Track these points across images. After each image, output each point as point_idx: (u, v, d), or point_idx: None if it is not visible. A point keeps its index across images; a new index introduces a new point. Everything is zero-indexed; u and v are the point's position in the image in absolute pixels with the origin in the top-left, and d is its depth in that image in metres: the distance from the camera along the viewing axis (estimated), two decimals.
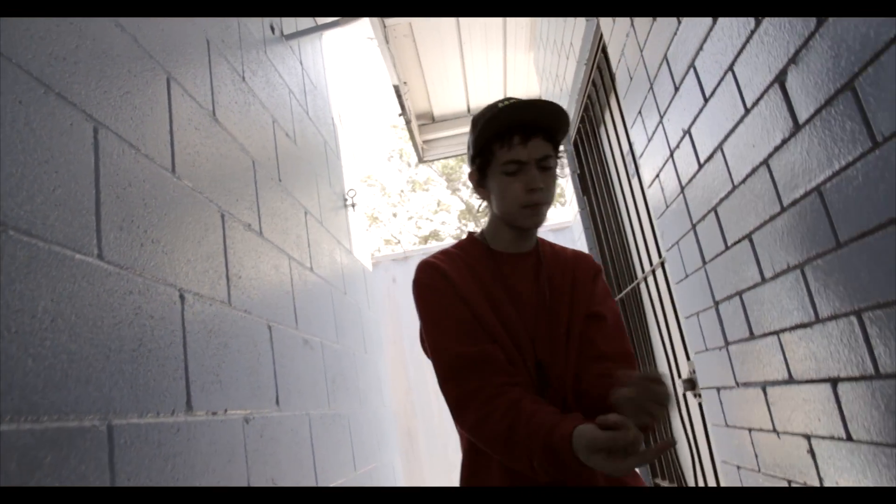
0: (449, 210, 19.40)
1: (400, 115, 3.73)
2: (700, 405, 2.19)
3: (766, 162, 1.25)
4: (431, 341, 1.23)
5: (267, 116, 1.99)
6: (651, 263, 2.53)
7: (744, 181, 1.36)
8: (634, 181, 2.62)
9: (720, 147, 1.44)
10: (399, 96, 3.43)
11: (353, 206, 3.15)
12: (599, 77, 2.64)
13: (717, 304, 1.68)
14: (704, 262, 1.70)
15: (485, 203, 1.37)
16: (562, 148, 1.35)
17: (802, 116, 1.10)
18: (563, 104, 3.19)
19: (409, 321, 6.45)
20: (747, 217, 1.39)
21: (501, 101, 1.27)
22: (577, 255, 1.42)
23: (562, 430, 1.02)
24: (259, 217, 1.72)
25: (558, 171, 1.32)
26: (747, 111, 1.28)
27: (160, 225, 1.17)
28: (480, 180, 1.32)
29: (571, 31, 2.69)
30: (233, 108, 1.69)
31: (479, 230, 1.39)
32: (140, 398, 1.00)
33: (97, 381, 0.90)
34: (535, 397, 1.15)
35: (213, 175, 1.44)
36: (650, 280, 2.62)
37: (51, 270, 0.84)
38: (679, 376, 2.43)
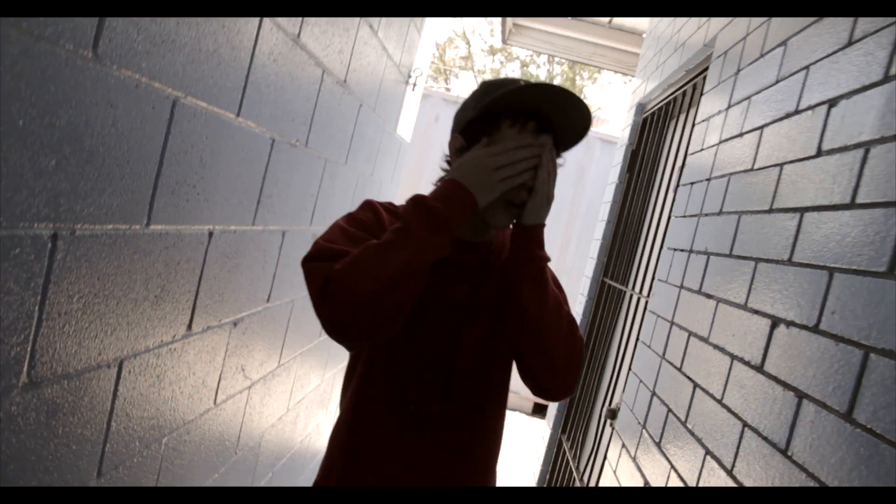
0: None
1: None
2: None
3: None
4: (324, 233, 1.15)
5: None
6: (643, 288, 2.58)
7: None
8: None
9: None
10: None
11: (413, 85, 3.08)
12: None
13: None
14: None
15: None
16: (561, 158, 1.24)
17: None
18: (654, 65, 3.00)
19: (434, 162, 6.50)
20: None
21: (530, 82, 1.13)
22: None
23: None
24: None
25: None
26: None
27: None
28: (464, 150, 1.17)
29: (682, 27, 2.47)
30: None
31: None
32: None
33: None
34: None
35: None
36: (632, 301, 2.68)
37: None
38: (608, 403, 2.60)
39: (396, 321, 1.08)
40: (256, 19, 1.38)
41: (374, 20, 2.29)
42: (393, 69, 2.77)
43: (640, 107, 3.27)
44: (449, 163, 1.25)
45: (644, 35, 4.00)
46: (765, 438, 1.17)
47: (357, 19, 2.09)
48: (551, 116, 1.15)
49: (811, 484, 0.99)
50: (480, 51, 19.96)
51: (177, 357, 1.41)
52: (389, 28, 2.53)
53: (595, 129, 7.33)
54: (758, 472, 1.16)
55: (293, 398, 2.48)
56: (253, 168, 1.58)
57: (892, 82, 1.06)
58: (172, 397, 1.44)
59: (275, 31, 1.48)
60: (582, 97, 1.14)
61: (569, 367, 1.19)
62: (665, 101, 2.86)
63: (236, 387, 1.83)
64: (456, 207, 1.06)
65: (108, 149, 1.01)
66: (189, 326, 1.44)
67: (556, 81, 20.16)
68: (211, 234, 1.44)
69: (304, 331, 2.40)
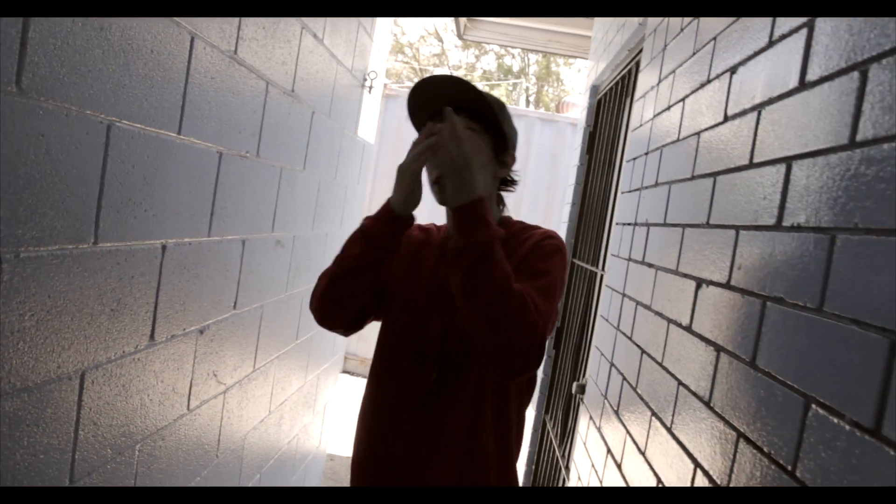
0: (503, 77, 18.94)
1: None
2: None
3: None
4: None
5: None
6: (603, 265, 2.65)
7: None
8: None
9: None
10: None
11: (370, 88, 3.14)
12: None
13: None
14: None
15: None
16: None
17: None
18: (601, 57, 3.07)
19: None
20: None
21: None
22: (531, 237, 1.37)
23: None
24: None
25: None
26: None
27: None
28: None
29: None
30: None
31: None
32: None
33: None
34: None
35: None
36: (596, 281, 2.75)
37: None
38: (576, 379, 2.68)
39: (345, 311, 1.39)
40: (187, 41, 1.44)
41: (319, 29, 2.35)
42: (345, 74, 2.83)
43: (594, 88, 3.35)
44: None
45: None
46: (693, 393, 1.24)
47: (299, 30, 2.15)
48: (440, 102, 1.28)
49: (729, 432, 1.06)
50: (454, 47, 20.09)
51: (142, 366, 1.48)
52: (336, 35, 2.59)
53: (567, 113, 7.40)
54: (690, 426, 1.24)
55: (274, 401, 2.54)
56: (202, 182, 1.64)
57: (774, 46, 1.13)
58: (142, 405, 1.50)
59: (208, 49, 1.54)
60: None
61: (494, 343, 1.14)
62: (614, 82, 2.93)
63: (210, 392, 1.89)
64: (375, 214, 1.32)
65: (44, 175, 1.08)
66: (151, 336, 1.51)
67: (531, 70, 20.21)
68: (164, 247, 1.50)
69: (278, 335, 2.47)
